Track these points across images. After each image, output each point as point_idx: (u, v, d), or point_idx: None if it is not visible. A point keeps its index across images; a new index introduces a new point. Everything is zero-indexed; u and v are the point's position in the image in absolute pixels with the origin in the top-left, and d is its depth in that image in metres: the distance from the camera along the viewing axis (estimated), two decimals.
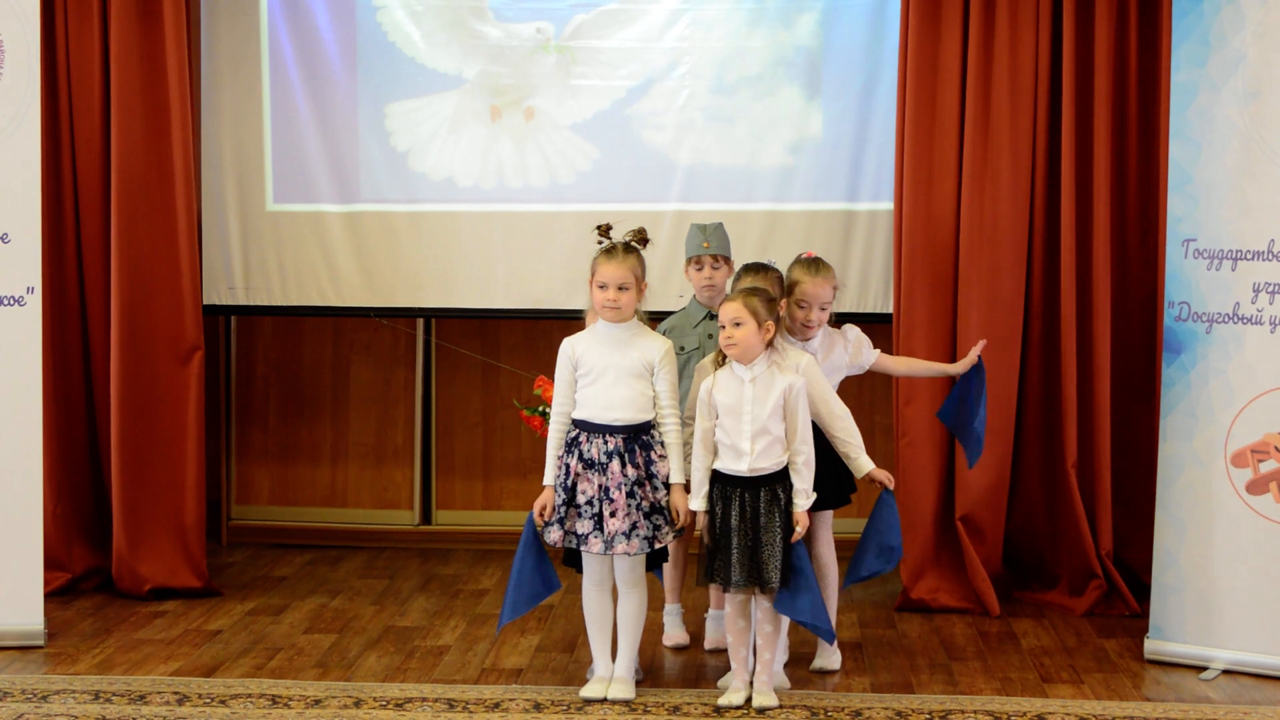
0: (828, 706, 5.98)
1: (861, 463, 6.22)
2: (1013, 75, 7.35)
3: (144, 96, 7.55)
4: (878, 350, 6.60)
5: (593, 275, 6.08)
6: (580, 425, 6.04)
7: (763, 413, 5.90)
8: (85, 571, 7.67)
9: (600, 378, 6.00)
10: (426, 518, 8.82)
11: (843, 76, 7.94)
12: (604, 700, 6.04)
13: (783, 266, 6.46)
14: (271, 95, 8.21)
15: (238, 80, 8.21)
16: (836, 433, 6.18)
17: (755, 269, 6.39)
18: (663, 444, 6.05)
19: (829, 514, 6.43)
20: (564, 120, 8.12)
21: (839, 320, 6.62)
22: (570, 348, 6.09)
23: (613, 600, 6.16)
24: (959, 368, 6.70)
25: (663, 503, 6.02)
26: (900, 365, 6.81)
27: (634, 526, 5.96)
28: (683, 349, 6.53)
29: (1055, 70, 7.39)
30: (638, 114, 8.08)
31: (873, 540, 6.31)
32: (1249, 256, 6.43)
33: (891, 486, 6.26)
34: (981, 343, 6.64)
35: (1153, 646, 6.63)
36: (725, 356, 6.02)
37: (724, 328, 5.93)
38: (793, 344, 6.26)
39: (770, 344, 5.98)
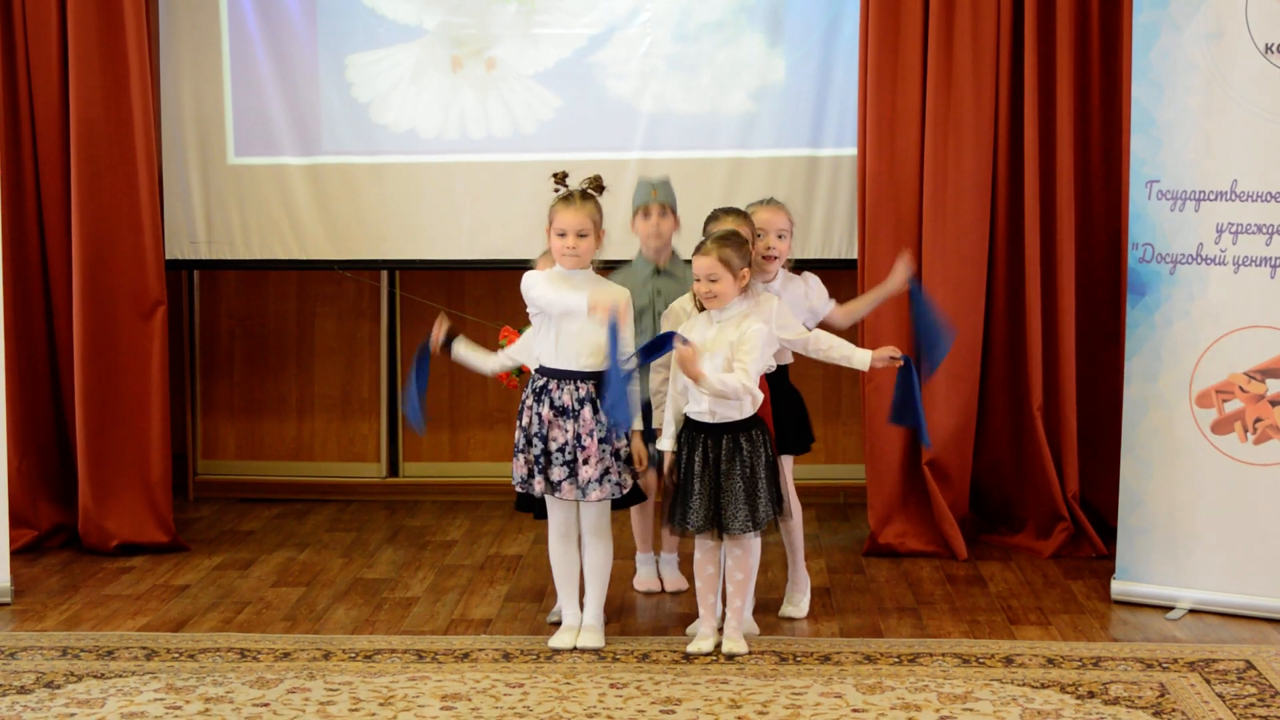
0: (797, 652, 6.01)
1: (859, 357, 6.11)
2: (975, 17, 7.36)
3: (102, 51, 7.51)
4: (833, 301, 6.55)
5: (550, 223, 6.06)
6: (547, 372, 6.04)
7: (723, 352, 5.89)
8: (51, 528, 7.69)
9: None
10: (394, 470, 8.85)
11: (805, 22, 7.95)
12: (573, 649, 6.06)
13: None
14: (231, 48, 8.19)
15: (196, 33, 8.19)
16: (823, 346, 6.12)
17: (730, 211, 6.34)
18: None
19: (789, 459, 6.40)
20: (526, 70, 8.11)
21: (800, 268, 6.62)
22: (535, 286, 6.06)
23: (578, 550, 6.18)
24: (893, 285, 6.49)
25: (624, 451, 6.04)
26: (842, 315, 6.60)
27: (606, 472, 5.98)
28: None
29: (1018, 12, 7.41)
30: (600, 62, 8.07)
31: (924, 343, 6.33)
32: (1212, 197, 6.45)
33: (899, 356, 6.12)
34: (904, 256, 6.54)
35: (1119, 587, 6.68)
36: (698, 300, 6.03)
37: (699, 281, 5.92)
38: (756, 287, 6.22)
39: (745, 289, 5.99)
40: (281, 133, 8.21)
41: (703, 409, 5.93)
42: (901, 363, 6.07)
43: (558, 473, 5.99)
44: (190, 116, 8.24)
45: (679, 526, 6.03)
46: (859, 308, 6.70)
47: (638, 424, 6.06)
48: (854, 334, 7.58)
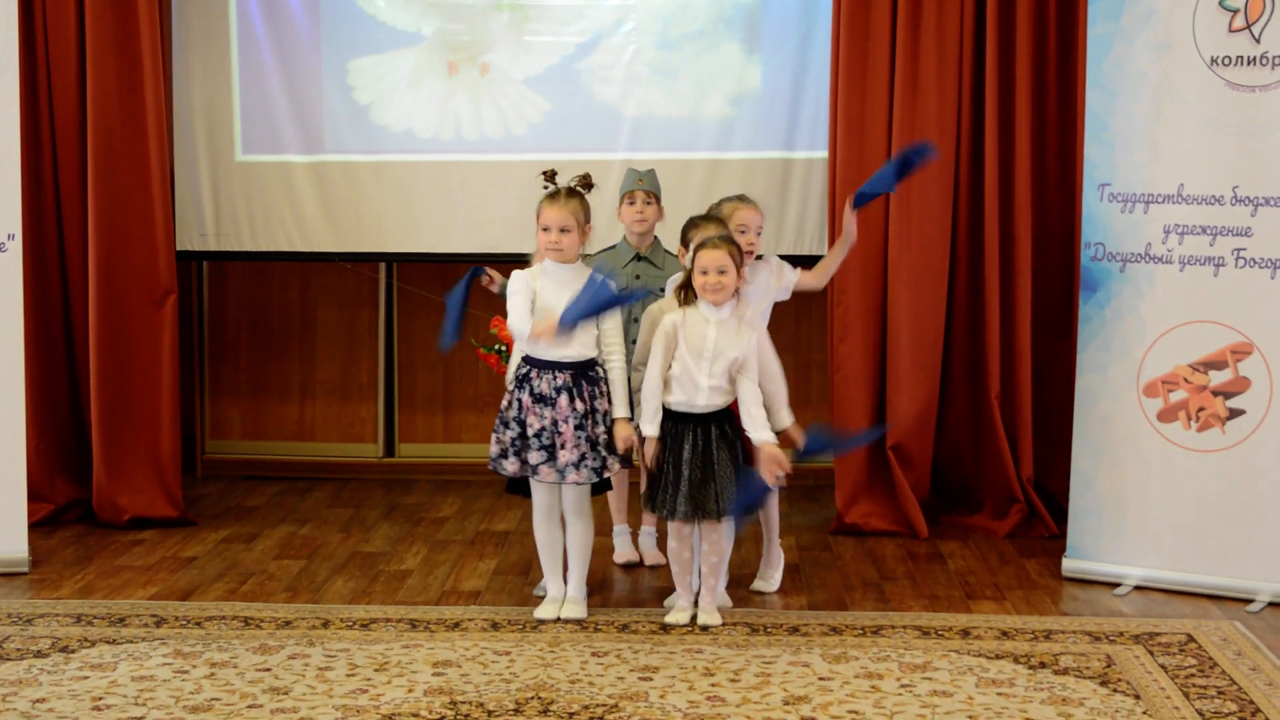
0: (767, 623, 6.13)
1: (781, 417, 6.31)
2: (939, 29, 7.48)
3: (118, 54, 7.61)
4: (798, 270, 6.64)
5: (538, 218, 6.15)
6: (530, 362, 6.15)
7: (727, 355, 6.02)
8: (67, 503, 7.80)
9: (550, 316, 5.99)
10: (390, 450, 8.97)
11: (780, 32, 8.06)
12: (557, 620, 6.17)
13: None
14: (239, 52, 8.27)
15: (207, 37, 8.30)
16: (766, 385, 6.25)
17: (708, 218, 6.39)
18: (606, 380, 6.17)
19: None
20: (517, 75, 8.22)
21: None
22: (526, 280, 6.13)
23: (561, 528, 6.29)
24: (850, 233, 6.58)
25: (602, 438, 6.11)
26: (812, 278, 6.66)
27: (583, 457, 6.07)
28: None
29: (979, 24, 7.54)
30: (587, 68, 8.19)
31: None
32: (1160, 200, 6.60)
33: (785, 471, 6.12)
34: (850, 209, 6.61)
35: (1070, 565, 6.83)
36: (685, 296, 6.11)
37: (707, 273, 5.98)
38: None
39: (737, 291, 6.11)
40: (286, 132, 8.34)
41: (698, 401, 6.05)
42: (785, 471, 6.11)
43: (535, 456, 6.07)
44: (200, 116, 8.34)
45: (665, 513, 6.11)
46: (829, 265, 6.69)
47: (622, 411, 6.15)
48: (823, 320, 7.85)
